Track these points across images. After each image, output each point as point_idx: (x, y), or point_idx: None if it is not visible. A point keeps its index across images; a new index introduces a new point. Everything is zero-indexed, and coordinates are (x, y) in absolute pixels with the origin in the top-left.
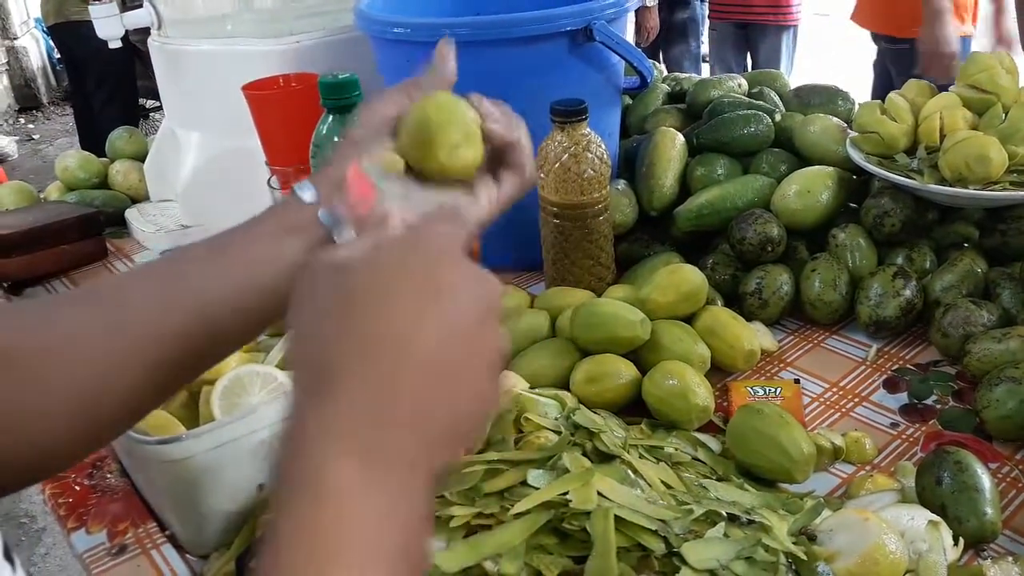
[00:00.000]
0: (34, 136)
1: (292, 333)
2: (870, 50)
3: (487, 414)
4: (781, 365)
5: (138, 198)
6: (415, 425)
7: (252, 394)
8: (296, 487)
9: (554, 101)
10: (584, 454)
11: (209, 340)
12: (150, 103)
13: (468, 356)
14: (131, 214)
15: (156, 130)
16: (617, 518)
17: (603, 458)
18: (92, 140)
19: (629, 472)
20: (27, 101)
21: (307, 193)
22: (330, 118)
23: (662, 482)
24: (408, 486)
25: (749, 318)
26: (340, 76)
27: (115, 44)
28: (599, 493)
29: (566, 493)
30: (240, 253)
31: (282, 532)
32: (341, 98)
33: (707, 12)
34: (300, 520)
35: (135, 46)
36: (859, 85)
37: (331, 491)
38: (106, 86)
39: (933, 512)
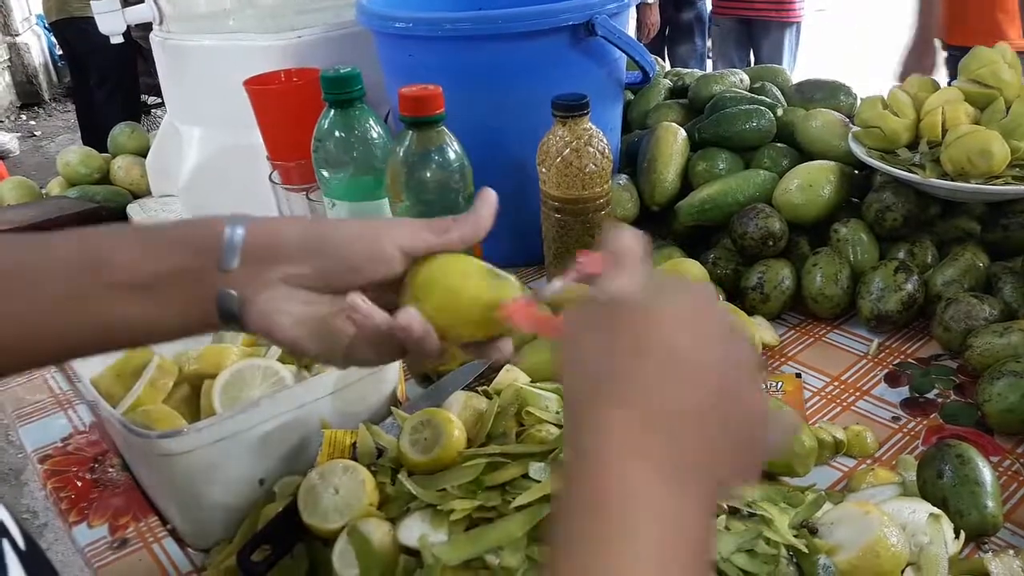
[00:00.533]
0: (36, 132)
1: (567, 364)
2: (868, 45)
3: (763, 438)
4: (782, 359)
5: (140, 193)
6: (698, 432)
7: (253, 388)
8: (584, 488)
9: (556, 96)
10: None
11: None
12: (152, 99)
13: (739, 374)
14: (133, 209)
15: (158, 126)
16: None
17: None
18: (94, 136)
19: None
20: (29, 97)
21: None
22: (331, 113)
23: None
24: (693, 493)
25: (751, 312)
26: (342, 70)
27: (117, 40)
28: None
29: None
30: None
31: (572, 527)
32: (343, 92)
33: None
34: (590, 520)
35: (137, 42)
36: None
37: (622, 491)
38: (108, 82)
39: (934, 505)
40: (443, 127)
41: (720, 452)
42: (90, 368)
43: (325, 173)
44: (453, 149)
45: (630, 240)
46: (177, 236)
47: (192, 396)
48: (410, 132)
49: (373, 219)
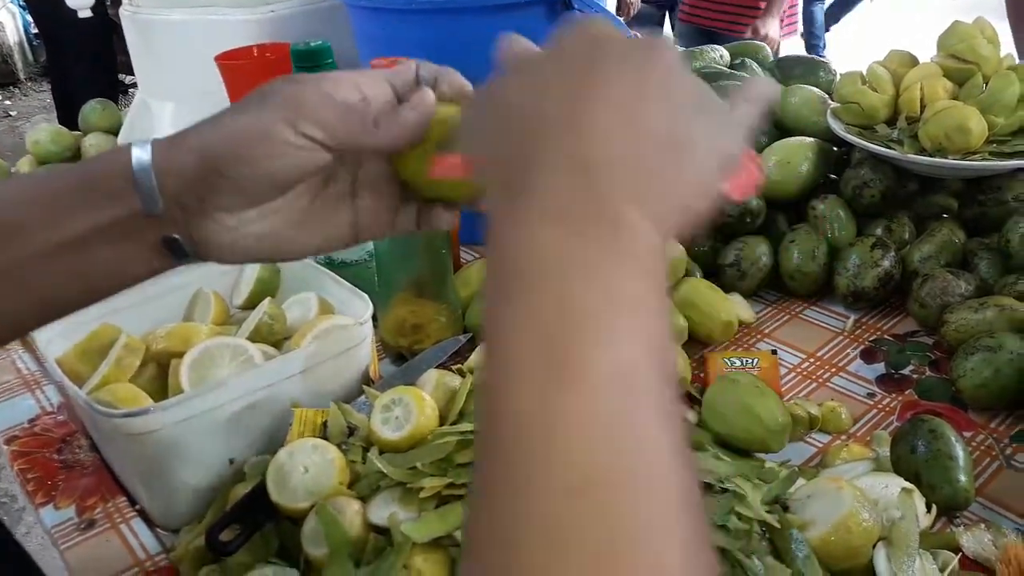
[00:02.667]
0: (11, 113)
1: (472, 140)
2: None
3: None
4: (759, 336)
5: None
6: (613, 175)
7: (221, 367)
8: (508, 272)
9: None
10: None
11: None
12: (129, 79)
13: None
14: None
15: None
16: None
17: None
18: (70, 116)
19: None
20: (4, 77)
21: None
22: None
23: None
24: (618, 238)
25: (727, 290)
26: (312, 44)
27: (85, 13)
28: None
29: None
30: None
31: (505, 323)
32: (314, 66)
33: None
34: (526, 305)
35: (113, 21)
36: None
37: (543, 261)
38: (84, 61)
39: (907, 480)
40: None
41: (648, 188)
42: (56, 348)
43: None
44: None
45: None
46: (82, 183)
47: (160, 375)
48: None
49: (259, 105)
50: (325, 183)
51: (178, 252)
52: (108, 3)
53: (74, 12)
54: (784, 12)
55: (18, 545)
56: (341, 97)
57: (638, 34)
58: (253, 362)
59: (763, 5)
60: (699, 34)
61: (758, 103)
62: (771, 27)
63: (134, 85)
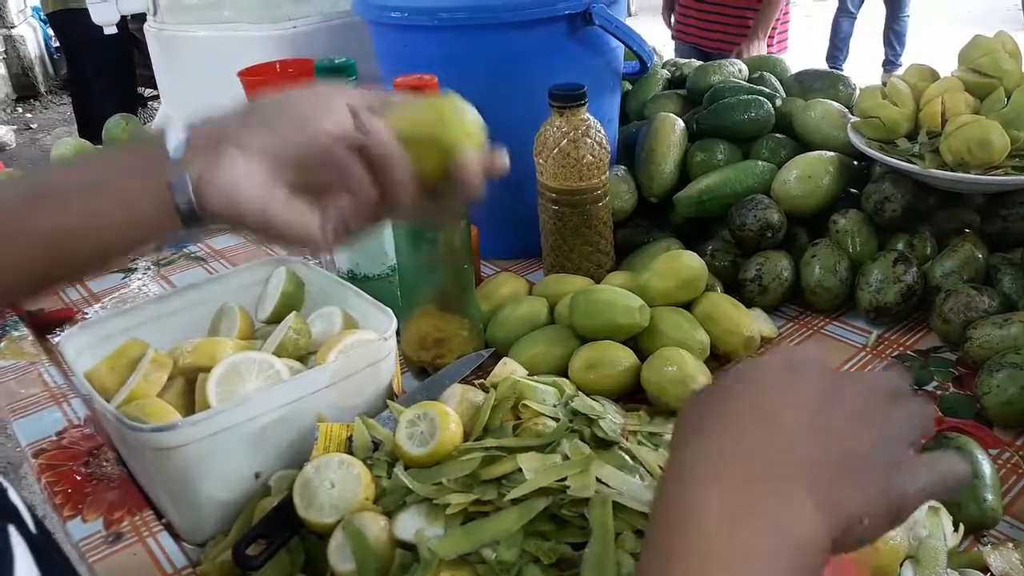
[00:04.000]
0: (32, 125)
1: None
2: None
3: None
4: None
5: None
6: (786, 452)
7: (248, 381)
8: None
9: (553, 86)
10: (583, 440)
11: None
12: (148, 92)
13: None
14: None
15: (155, 118)
16: (616, 504)
17: (602, 445)
18: (90, 129)
19: (628, 458)
20: (25, 90)
21: (173, 138)
22: None
23: (661, 469)
24: (778, 510)
25: (749, 304)
26: (336, 60)
27: (110, 30)
28: (598, 479)
29: (564, 479)
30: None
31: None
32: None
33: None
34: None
35: (133, 35)
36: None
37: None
38: (104, 75)
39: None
40: None
41: (820, 473)
42: (85, 362)
43: None
44: None
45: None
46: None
47: (187, 389)
48: None
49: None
50: None
51: (183, 196)
52: (129, 18)
53: (97, 27)
54: (776, 29)
55: (61, 552)
56: None
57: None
58: (280, 377)
59: (751, 24)
60: (690, 52)
61: (945, 482)
62: (756, 49)
63: (153, 98)
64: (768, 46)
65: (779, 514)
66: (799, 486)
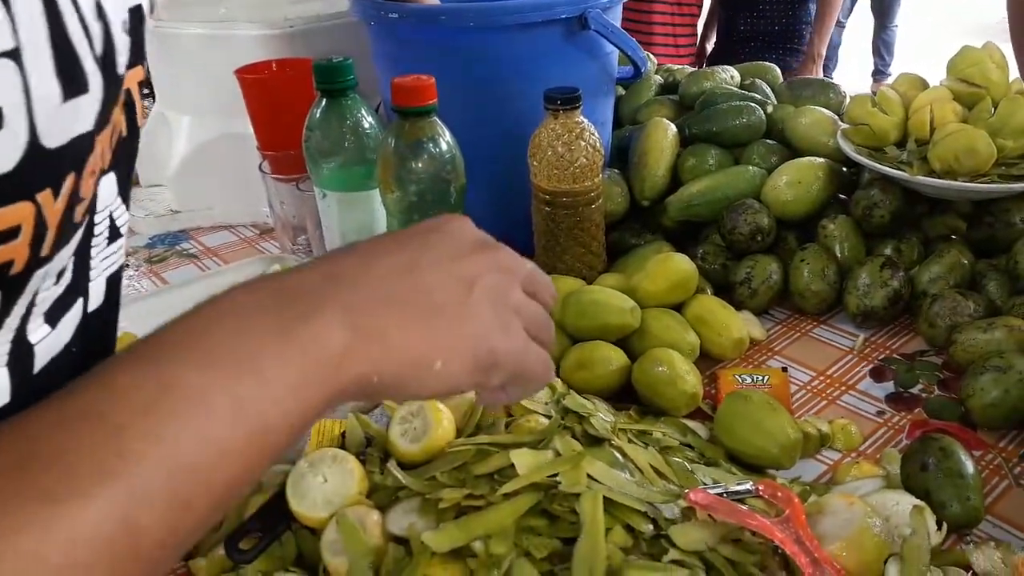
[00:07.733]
0: None
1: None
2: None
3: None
4: (769, 354)
5: None
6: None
7: None
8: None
9: (548, 88)
10: (574, 437)
11: None
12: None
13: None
14: None
15: (148, 116)
16: (606, 500)
17: (593, 442)
18: None
19: (618, 456)
20: None
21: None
22: (323, 102)
23: (651, 466)
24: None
25: (738, 307)
26: (334, 60)
27: None
28: (588, 475)
29: (555, 475)
30: None
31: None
32: (335, 82)
33: None
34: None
35: None
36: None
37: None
38: None
39: (918, 498)
40: (435, 118)
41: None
42: None
43: (316, 163)
44: (445, 140)
45: None
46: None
47: None
48: (402, 122)
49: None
50: None
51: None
52: None
53: None
54: (682, 36)
55: None
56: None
57: None
58: None
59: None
60: None
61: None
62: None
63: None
64: (680, 56)
65: (296, 326)
66: (334, 310)
